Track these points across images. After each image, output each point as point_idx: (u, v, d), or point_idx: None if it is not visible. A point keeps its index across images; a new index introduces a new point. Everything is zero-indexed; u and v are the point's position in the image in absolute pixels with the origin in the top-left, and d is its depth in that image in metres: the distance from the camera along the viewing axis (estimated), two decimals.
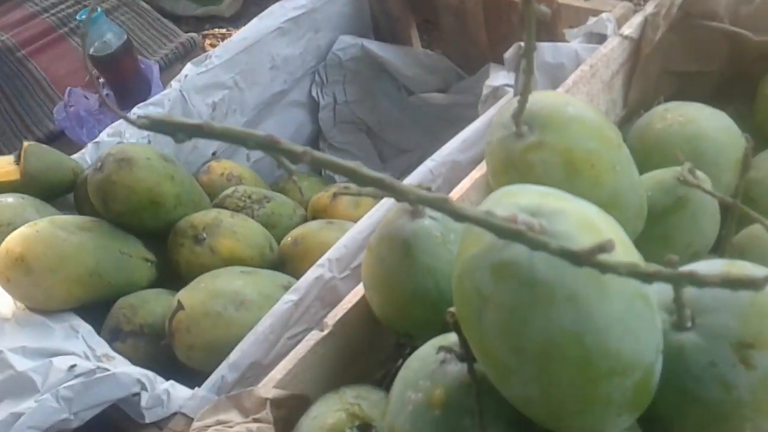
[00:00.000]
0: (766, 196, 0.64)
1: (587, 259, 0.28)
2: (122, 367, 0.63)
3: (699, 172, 0.56)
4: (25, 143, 0.83)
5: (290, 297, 0.66)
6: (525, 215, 0.32)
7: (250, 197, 0.88)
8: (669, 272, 0.28)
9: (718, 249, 0.59)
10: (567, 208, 0.34)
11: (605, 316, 0.32)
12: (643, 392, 0.36)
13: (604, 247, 0.27)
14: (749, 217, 0.55)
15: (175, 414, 0.61)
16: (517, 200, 0.34)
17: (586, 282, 0.32)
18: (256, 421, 0.53)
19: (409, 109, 1.21)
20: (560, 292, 0.32)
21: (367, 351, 0.62)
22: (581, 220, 0.33)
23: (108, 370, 0.60)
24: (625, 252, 0.34)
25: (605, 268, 0.28)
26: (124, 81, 1.18)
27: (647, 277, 0.28)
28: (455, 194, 0.65)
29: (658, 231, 0.55)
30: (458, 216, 0.30)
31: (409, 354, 0.48)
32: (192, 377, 0.65)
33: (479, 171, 0.67)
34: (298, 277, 0.68)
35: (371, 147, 1.22)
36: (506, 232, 0.29)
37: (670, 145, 0.62)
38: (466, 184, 0.66)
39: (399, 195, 0.30)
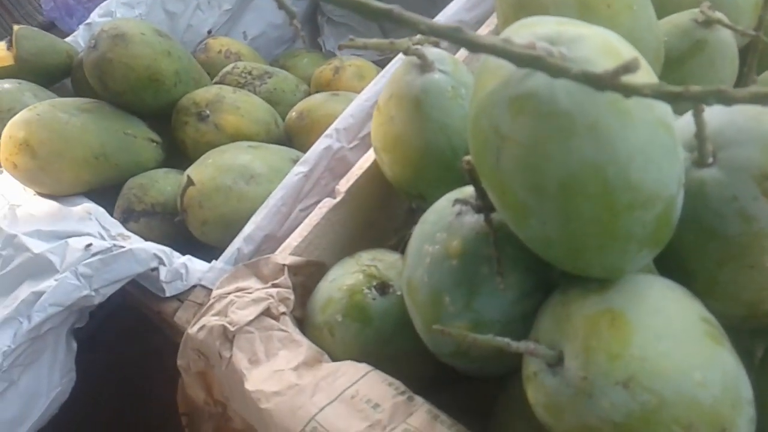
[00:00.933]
0: None
1: (610, 81, 0.26)
2: (138, 243, 0.63)
3: (717, 12, 0.53)
4: (16, 27, 0.80)
5: (300, 169, 0.65)
6: (544, 43, 0.31)
7: (250, 73, 0.86)
8: (696, 90, 0.26)
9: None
10: (587, 33, 0.32)
11: (627, 146, 0.31)
12: (664, 226, 0.35)
13: (629, 66, 0.26)
14: None
15: (194, 286, 0.61)
16: (535, 30, 0.32)
17: (608, 110, 0.30)
18: (275, 286, 0.53)
19: None
20: (581, 122, 0.30)
21: (380, 218, 0.62)
22: (602, 45, 0.31)
23: (124, 247, 0.61)
24: (648, 77, 0.33)
25: (629, 91, 0.26)
26: None
27: (673, 97, 0.26)
28: (463, 55, 0.63)
29: (675, 78, 0.53)
30: (473, 46, 0.28)
31: None
32: (207, 254, 0.65)
33: (487, 27, 0.64)
34: (305, 152, 0.67)
35: None
36: (525, 59, 0.28)
37: None
38: None
39: (409, 26, 0.29)
